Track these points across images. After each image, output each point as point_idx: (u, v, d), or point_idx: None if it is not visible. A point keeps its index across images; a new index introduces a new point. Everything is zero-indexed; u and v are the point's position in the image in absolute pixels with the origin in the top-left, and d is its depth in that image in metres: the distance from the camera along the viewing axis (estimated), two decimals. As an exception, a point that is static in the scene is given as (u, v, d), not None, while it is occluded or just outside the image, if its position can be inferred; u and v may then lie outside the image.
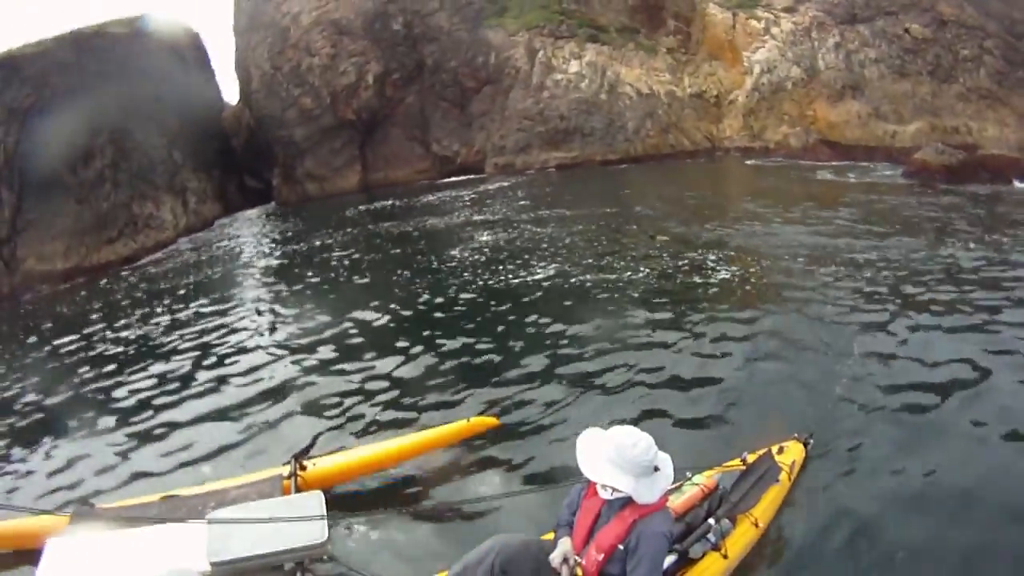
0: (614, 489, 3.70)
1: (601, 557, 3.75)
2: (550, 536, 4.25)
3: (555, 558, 3.85)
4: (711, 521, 4.57)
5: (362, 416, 8.02)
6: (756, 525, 4.85)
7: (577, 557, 3.86)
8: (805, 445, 5.95)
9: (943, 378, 7.35)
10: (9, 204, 23.77)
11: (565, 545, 3.90)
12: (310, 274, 17.27)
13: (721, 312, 10.21)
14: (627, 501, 3.73)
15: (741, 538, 4.71)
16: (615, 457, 3.65)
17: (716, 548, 4.45)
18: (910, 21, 27.92)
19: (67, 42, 28.01)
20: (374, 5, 34.12)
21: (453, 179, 32.99)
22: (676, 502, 4.76)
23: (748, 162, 28.41)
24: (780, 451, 5.64)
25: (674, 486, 4.83)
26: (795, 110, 28.58)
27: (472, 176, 32.58)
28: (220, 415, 8.63)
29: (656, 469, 3.74)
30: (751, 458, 5.40)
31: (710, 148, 30.32)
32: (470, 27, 33.94)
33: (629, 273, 12.97)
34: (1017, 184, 21.29)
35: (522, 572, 3.85)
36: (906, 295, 10.25)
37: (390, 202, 28.85)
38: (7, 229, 23.58)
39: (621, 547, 3.70)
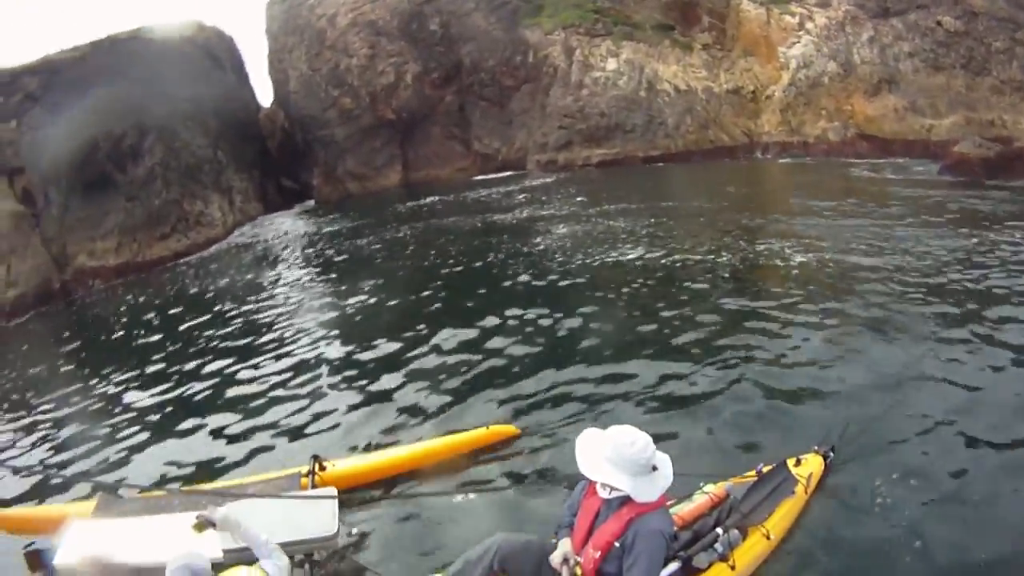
0: (612, 488, 3.72)
1: (598, 555, 3.79)
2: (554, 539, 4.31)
3: (555, 558, 3.92)
4: (719, 531, 4.45)
5: (386, 419, 7.99)
6: (768, 538, 4.71)
7: (577, 557, 3.90)
8: (825, 458, 5.72)
9: (987, 399, 6.93)
10: (57, 203, 24.32)
11: (565, 545, 3.97)
12: (352, 273, 17.21)
13: (756, 317, 9.89)
14: (625, 500, 3.75)
15: (750, 550, 4.58)
16: (613, 456, 3.68)
17: (723, 559, 4.34)
18: (942, 14, 28.59)
19: (104, 47, 28.59)
20: (410, 6, 34.77)
21: (494, 176, 33.64)
22: (684, 510, 4.73)
23: (781, 160, 29.13)
24: (798, 463, 5.47)
25: (684, 495, 4.90)
26: (832, 104, 29.31)
27: (513, 173, 33.25)
28: (250, 414, 8.78)
29: (654, 468, 3.74)
30: (767, 470, 5.21)
31: (748, 143, 31.03)
32: (506, 26, 34.59)
33: (670, 275, 12.74)
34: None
35: (522, 570, 3.95)
36: (952, 304, 9.79)
37: (434, 199, 29.16)
38: (56, 227, 24.12)
39: (617, 544, 3.73)
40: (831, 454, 5.78)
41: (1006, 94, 27.02)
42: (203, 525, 3.84)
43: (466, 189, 30.70)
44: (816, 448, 5.79)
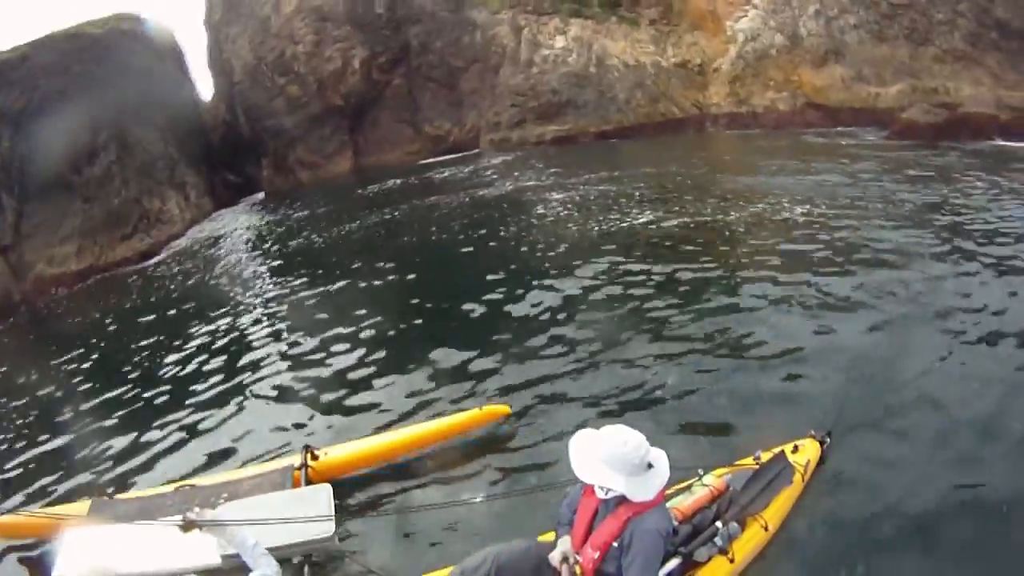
0: (609, 488, 3.72)
1: (597, 555, 3.79)
2: (550, 536, 4.32)
3: (554, 557, 3.93)
4: (718, 524, 4.47)
5: (374, 406, 8.00)
6: (765, 528, 4.73)
7: (577, 556, 3.90)
8: (822, 444, 5.71)
9: (987, 377, 6.90)
10: (11, 209, 23.53)
11: (565, 544, 3.97)
12: (318, 264, 17.10)
13: (739, 296, 9.89)
14: (622, 499, 3.73)
15: (749, 542, 4.61)
16: (606, 457, 3.66)
17: (723, 552, 4.36)
18: (885, -15, 28.92)
19: (46, 45, 27.66)
20: (355, -10, 34.13)
21: (447, 157, 33.37)
22: (684, 503, 4.71)
23: (728, 132, 29.43)
24: (795, 450, 5.47)
25: (683, 485, 4.93)
26: (780, 76, 29.49)
27: (466, 153, 33.06)
28: (235, 407, 8.79)
29: (650, 466, 3.73)
30: (765, 457, 5.22)
31: (699, 115, 31.04)
32: (453, 7, 34.18)
33: (651, 249, 12.78)
34: (1000, 141, 22.54)
35: (521, 574, 3.94)
36: (947, 274, 9.82)
37: (393, 182, 28.82)
38: (11, 235, 23.34)
39: (615, 544, 3.73)
40: (827, 439, 5.77)
41: (948, 63, 27.33)
42: (190, 526, 3.71)
43: (422, 171, 30.57)
44: (812, 433, 5.78)
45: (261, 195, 36.24)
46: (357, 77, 33.83)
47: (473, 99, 33.80)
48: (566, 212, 17.19)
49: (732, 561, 4.36)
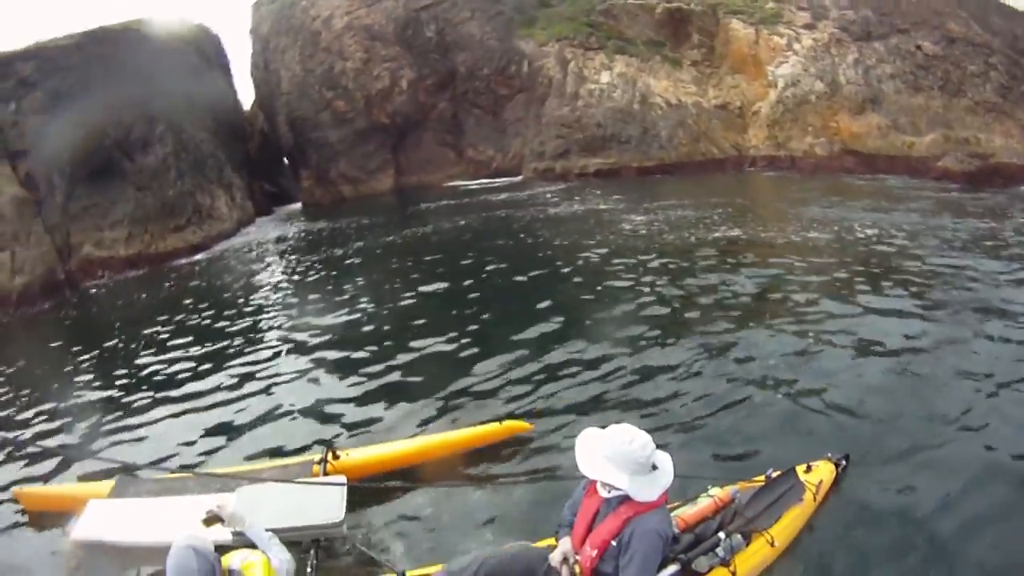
0: (612, 487, 3.73)
1: (595, 554, 3.80)
2: (548, 542, 4.37)
3: (555, 557, 3.94)
4: (721, 535, 4.41)
5: (397, 412, 8.06)
6: (772, 544, 4.64)
7: (576, 555, 3.91)
8: (837, 466, 5.67)
9: (1009, 407, 6.85)
10: (61, 190, 23.64)
11: (565, 545, 3.98)
12: (369, 272, 17.27)
13: (770, 322, 9.91)
14: (624, 498, 3.74)
15: (753, 556, 4.54)
16: (611, 454, 3.68)
17: (725, 564, 4.31)
18: (921, 39, 30.30)
19: (98, 37, 28.11)
20: (405, 12, 35.08)
21: (494, 181, 34.14)
22: (688, 512, 4.69)
23: (766, 174, 30.25)
24: (808, 470, 5.43)
25: (689, 497, 4.91)
26: (819, 121, 30.61)
27: (512, 179, 33.86)
28: (267, 404, 8.90)
29: (654, 467, 3.75)
30: (776, 475, 5.18)
31: (737, 156, 32.15)
32: (501, 36, 35.23)
33: (684, 281, 12.85)
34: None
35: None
36: (967, 306, 9.89)
37: (442, 203, 29.26)
38: (59, 215, 23.47)
39: (614, 543, 3.74)
40: (844, 462, 5.75)
41: (980, 115, 28.60)
42: (212, 520, 3.93)
43: (479, 193, 31.09)
44: (829, 455, 5.76)
45: (297, 206, 36.78)
46: (404, 97, 34.62)
47: (517, 127, 34.73)
48: (650, 231, 17.76)
49: (734, 574, 4.32)
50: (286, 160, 41.09)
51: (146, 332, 13.89)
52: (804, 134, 30.78)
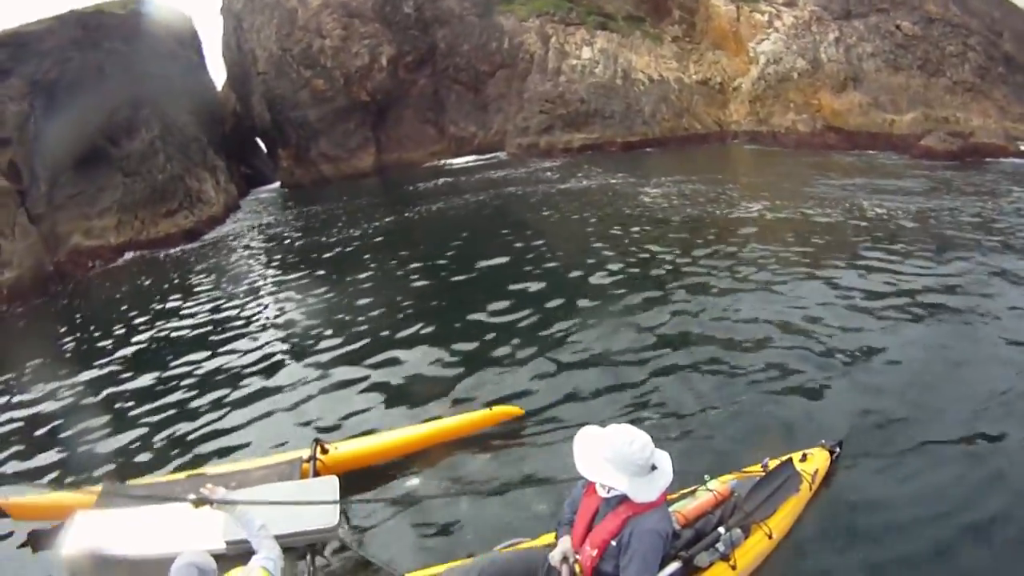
0: (611, 488, 3.71)
1: (595, 553, 3.78)
2: (549, 537, 4.39)
3: (555, 556, 3.92)
4: (721, 530, 4.43)
5: (386, 402, 8.04)
6: (770, 536, 4.69)
7: (576, 555, 3.90)
8: (831, 453, 5.71)
9: (1008, 394, 6.82)
10: (44, 179, 22.95)
11: (565, 544, 3.96)
12: (356, 257, 17.24)
13: (757, 304, 9.92)
14: (623, 498, 3.73)
15: (752, 549, 4.56)
16: (611, 456, 3.66)
17: (725, 558, 4.32)
18: (900, 18, 30.59)
19: (71, 20, 27.22)
20: (383, -12, 34.51)
21: (482, 158, 33.96)
22: (687, 508, 4.64)
23: (749, 147, 30.64)
24: (803, 459, 5.45)
25: (687, 491, 4.90)
26: (800, 98, 30.87)
27: (498, 156, 33.74)
28: (249, 399, 8.86)
29: (654, 468, 3.74)
30: (772, 464, 5.17)
31: (720, 132, 32.44)
32: (480, 12, 34.90)
33: (663, 262, 12.85)
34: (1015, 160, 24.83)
35: None
36: (974, 290, 9.85)
37: (420, 185, 28.88)
38: (44, 205, 22.81)
39: (614, 543, 3.72)
40: (838, 449, 5.79)
41: (958, 94, 29.05)
42: (201, 502, 3.89)
43: (437, 176, 30.67)
44: (823, 443, 5.79)
45: (275, 186, 36.30)
46: (384, 74, 34.11)
47: (499, 103, 34.51)
48: (668, 204, 17.86)
49: (734, 568, 4.33)
50: (259, 141, 40.38)
51: (133, 328, 13.73)
52: (786, 111, 31.04)
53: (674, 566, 4.04)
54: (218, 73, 39.93)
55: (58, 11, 28.34)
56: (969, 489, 5.39)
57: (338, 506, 4.78)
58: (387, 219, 22.09)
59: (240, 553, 3.72)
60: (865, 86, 29.97)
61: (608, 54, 33.32)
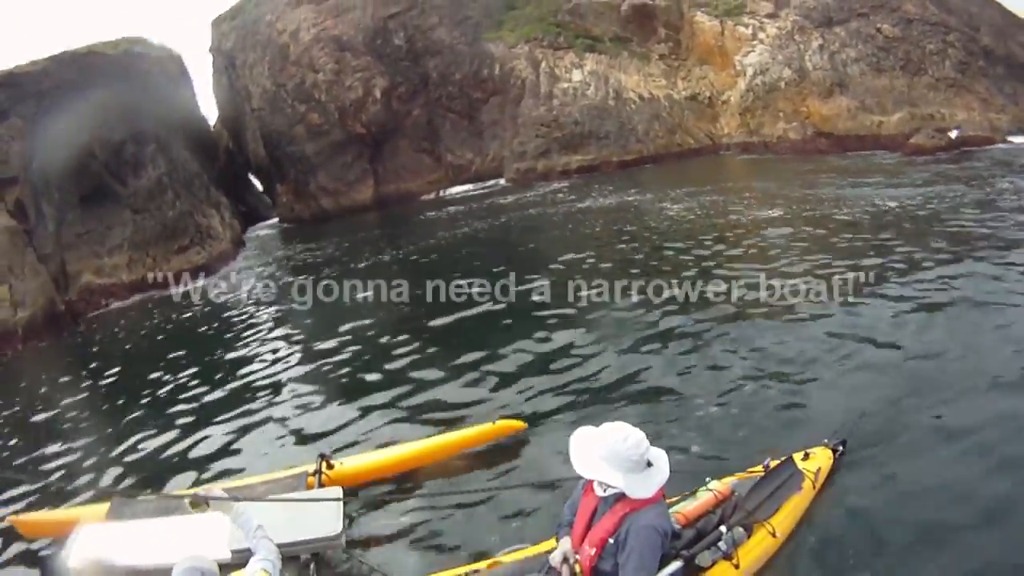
0: (607, 485, 3.75)
1: (594, 552, 3.80)
2: (550, 543, 4.39)
3: (555, 558, 3.94)
4: (722, 529, 4.39)
5: (391, 417, 8.14)
6: (773, 535, 4.64)
7: (576, 555, 3.90)
8: (834, 452, 5.66)
9: (1011, 391, 6.61)
10: (51, 218, 23.09)
11: (565, 544, 3.97)
12: (362, 280, 17.20)
13: (765, 304, 9.90)
14: (620, 496, 3.75)
15: (755, 548, 4.52)
16: (606, 453, 3.69)
17: (727, 557, 4.28)
18: (880, 21, 31.42)
19: (66, 61, 27.50)
20: (373, 22, 35.11)
21: (478, 188, 34.30)
22: (688, 507, 4.62)
23: (742, 158, 31.05)
24: (805, 457, 5.41)
25: (688, 491, 4.86)
26: (789, 107, 31.52)
27: (499, 183, 34.13)
28: (258, 415, 9.10)
29: (649, 464, 3.75)
30: (774, 464, 5.10)
31: (712, 145, 33.05)
32: (470, 40, 35.54)
33: (668, 269, 12.92)
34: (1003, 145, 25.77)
35: None
36: (979, 283, 9.68)
37: (428, 214, 29.17)
38: (51, 244, 22.91)
39: (612, 541, 3.74)
40: (841, 448, 5.74)
41: (941, 91, 29.79)
42: (199, 503, 3.86)
43: (434, 208, 30.83)
44: (826, 441, 5.74)
45: (273, 221, 36.67)
46: (378, 106, 34.53)
47: (494, 130, 35.02)
48: (696, 216, 18.05)
49: (737, 567, 4.29)
50: (253, 177, 40.64)
51: (145, 361, 13.89)
52: (776, 120, 31.66)
53: (675, 565, 4.01)
54: (208, 111, 40.37)
55: (52, 52, 28.82)
56: (975, 486, 5.30)
57: (342, 515, 4.84)
58: (391, 250, 22.22)
59: (246, 562, 3.72)
60: (851, 90, 30.66)
61: (598, 75, 33.98)
